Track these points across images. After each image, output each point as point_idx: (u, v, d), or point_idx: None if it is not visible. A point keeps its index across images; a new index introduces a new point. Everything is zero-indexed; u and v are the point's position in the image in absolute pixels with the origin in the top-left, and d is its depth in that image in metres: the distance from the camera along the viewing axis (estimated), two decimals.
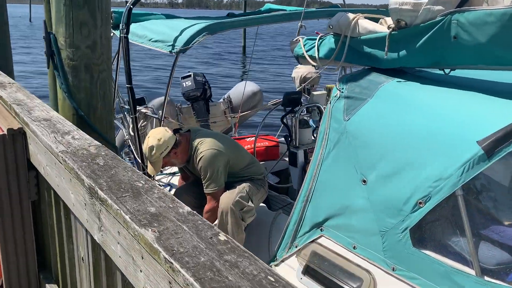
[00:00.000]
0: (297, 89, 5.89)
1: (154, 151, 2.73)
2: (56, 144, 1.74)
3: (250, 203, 2.76)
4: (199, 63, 18.25)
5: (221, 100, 6.35)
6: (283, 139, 5.73)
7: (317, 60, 2.97)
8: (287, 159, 5.23)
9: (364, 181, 2.34)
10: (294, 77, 6.02)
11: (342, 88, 2.58)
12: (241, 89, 6.16)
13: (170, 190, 4.16)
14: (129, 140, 3.60)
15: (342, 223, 2.48)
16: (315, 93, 4.35)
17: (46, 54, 2.67)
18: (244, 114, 5.97)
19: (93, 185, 1.37)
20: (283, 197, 4.09)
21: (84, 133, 1.92)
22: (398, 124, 2.26)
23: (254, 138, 5.26)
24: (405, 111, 2.28)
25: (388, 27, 2.45)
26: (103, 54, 2.66)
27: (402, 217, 2.13)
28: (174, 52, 3.12)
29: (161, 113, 4.65)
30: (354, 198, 2.41)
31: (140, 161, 3.17)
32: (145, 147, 2.76)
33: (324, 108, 5.10)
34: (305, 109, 4.23)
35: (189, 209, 1.20)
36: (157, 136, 2.77)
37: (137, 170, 1.48)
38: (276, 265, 2.75)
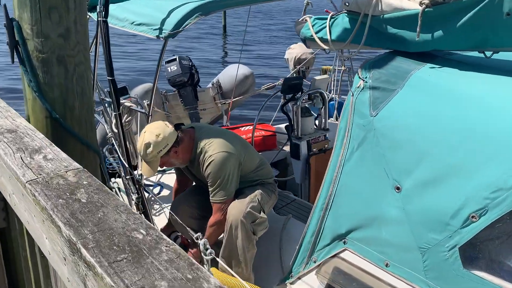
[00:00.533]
0: (291, 72, 5.49)
1: (151, 149, 2.34)
2: (23, 170, 1.33)
3: (262, 214, 2.39)
4: (175, 48, 16.18)
5: (210, 85, 5.90)
6: (280, 126, 5.36)
7: (329, 43, 2.57)
8: (285, 149, 4.87)
9: (398, 188, 1.99)
10: (288, 58, 5.60)
11: (366, 77, 2.19)
12: (231, 73, 5.72)
13: (160, 191, 3.76)
14: (112, 138, 3.17)
15: (370, 235, 2.13)
16: (317, 78, 3.96)
17: (9, 45, 2.21)
18: (235, 100, 5.55)
19: (73, 238, 0.98)
20: (285, 193, 3.74)
21: (59, 150, 1.51)
22: (439, 120, 1.90)
23: (249, 127, 4.87)
24: (447, 104, 1.91)
25: (421, 3, 2.06)
26: (78, 43, 2.22)
27: (449, 232, 1.79)
28: (162, 37, 2.69)
29: (147, 106, 4.22)
30: (385, 207, 2.06)
31: (126, 164, 2.76)
32: (140, 143, 2.34)
33: (328, 95, 4.73)
34: (306, 96, 3.84)
35: (217, 282, 0.82)
36: (155, 131, 2.36)
37: (134, 212, 1.08)
38: (291, 283, 2.41)
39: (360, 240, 2.18)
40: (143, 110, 3.42)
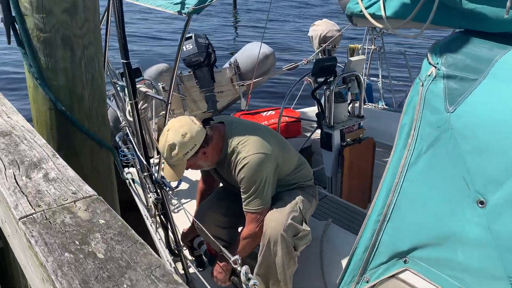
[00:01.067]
0: (316, 51, 5.05)
1: (176, 151, 1.95)
2: (15, 196, 0.96)
3: (305, 226, 2.02)
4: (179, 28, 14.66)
5: (227, 65, 5.49)
6: (304, 111, 4.96)
7: (383, 20, 2.16)
8: (312, 136, 4.49)
9: (482, 203, 1.61)
10: (312, 36, 5.15)
11: (438, 63, 1.79)
12: (251, 52, 5.30)
13: (179, 184, 3.40)
14: (127, 128, 2.80)
15: (440, 256, 1.77)
16: (353, 58, 3.54)
17: (4, 23, 1.83)
18: (256, 81, 5.13)
19: None
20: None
21: (64, 165, 1.14)
22: None
23: (271, 112, 4.48)
24: None
25: None
26: (87, 20, 1.84)
27: None
28: (185, 13, 2.29)
29: (162, 90, 3.84)
30: (462, 224, 1.69)
31: (144, 160, 2.40)
32: (162, 144, 1.97)
33: (364, 78, 4.32)
34: (341, 80, 3.43)
35: None
36: (181, 130, 1.95)
37: (177, 280, 0.71)
38: None
39: (426, 260, 1.82)
40: (162, 97, 3.03)
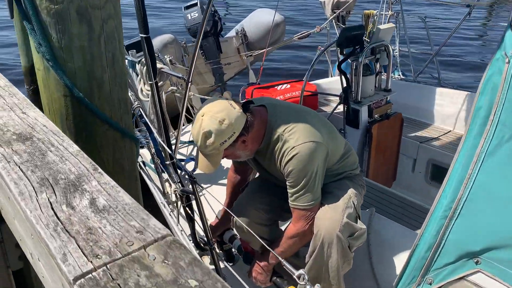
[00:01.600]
0: (329, 18, 4.73)
1: (212, 140, 1.68)
2: (59, 240, 0.70)
3: (360, 224, 1.77)
4: None
5: (233, 33, 5.13)
6: (318, 82, 4.66)
7: None
8: (326, 110, 4.22)
9: None
10: (324, 1, 4.82)
11: None
12: (259, 20, 4.95)
13: (195, 168, 3.14)
14: (140, 109, 2.51)
15: None
16: (381, 27, 3.23)
17: None
18: (261, 52, 4.80)
19: None
20: None
21: (113, 183, 0.88)
22: None
23: (286, 85, 4.18)
24: None
25: None
26: None
27: None
28: None
29: (170, 63, 3.52)
30: None
31: (166, 146, 2.12)
32: (196, 131, 1.72)
33: (394, 49, 4.02)
34: (369, 50, 3.14)
35: None
36: (218, 115, 1.67)
37: None
38: None
39: (503, 262, 1.61)
40: (181, 75, 2.73)
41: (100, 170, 0.91)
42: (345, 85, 3.20)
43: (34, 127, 1.09)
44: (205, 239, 2.43)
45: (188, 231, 2.56)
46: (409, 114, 3.77)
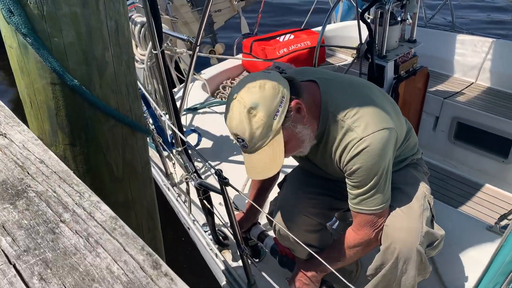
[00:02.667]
0: None
1: (262, 114, 1.21)
2: None
3: (438, 229, 1.41)
4: None
5: None
6: (319, 29, 4.17)
7: None
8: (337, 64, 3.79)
9: None
10: None
11: None
12: None
13: (199, 141, 2.69)
14: (140, 85, 2.03)
15: None
16: None
17: None
18: None
19: None
20: None
21: None
22: None
23: (289, 35, 3.68)
24: None
25: None
26: None
27: None
28: None
29: (173, 19, 3.02)
30: None
31: (178, 131, 1.70)
32: (236, 120, 1.24)
33: None
34: None
35: None
36: (254, 83, 1.22)
37: None
38: None
39: None
40: (186, 36, 2.22)
41: (165, 268, 0.50)
42: (365, 37, 2.77)
43: (25, 164, 0.66)
44: (223, 233, 2.08)
45: (201, 221, 2.20)
46: (427, 65, 3.38)
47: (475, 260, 1.75)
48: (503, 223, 1.81)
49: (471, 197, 2.24)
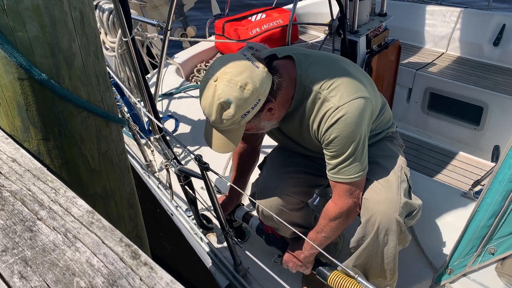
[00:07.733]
0: None
1: (231, 111, 1.25)
2: None
3: (415, 199, 1.46)
4: None
5: None
6: (290, 7, 4.15)
7: None
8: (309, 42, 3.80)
9: None
10: None
11: None
12: None
13: (176, 127, 2.68)
14: (112, 73, 2.01)
15: None
16: None
17: None
18: None
19: None
20: None
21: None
22: None
23: (260, 15, 3.66)
24: None
25: None
26: None
27: None
28: None
29: (141, 3, 2.97)
30: None
31: (154, 119, 1.69)
32: (208, 101, 1.27)
33: None
34: None
35: None
36: (237, 79, 1.23)
37: None
38: (451, 282, 1.63)
39: None
40: (156, 21, 2.18)
41: (144, 257, 0.51)
42: (336, 13, 2.77)
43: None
44: (206, 217, 2.10)
45: (184, 207, 2.21)
46: (399, 38, 3.42)
47: (452, 226, 1.81)
48: (477, 188, 1.87)
49: (445, 166, 2.30)
